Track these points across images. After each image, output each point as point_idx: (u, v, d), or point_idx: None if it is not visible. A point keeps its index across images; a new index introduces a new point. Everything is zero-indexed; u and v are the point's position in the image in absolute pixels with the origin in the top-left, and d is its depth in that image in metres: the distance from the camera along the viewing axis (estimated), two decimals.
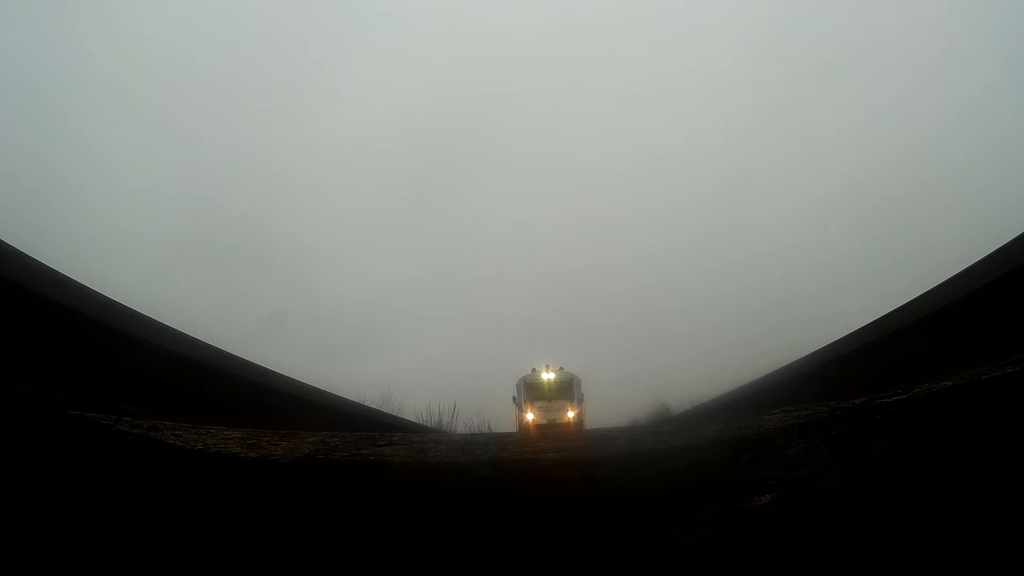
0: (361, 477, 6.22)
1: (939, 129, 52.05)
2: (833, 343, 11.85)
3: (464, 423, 18.82)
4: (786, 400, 9.73)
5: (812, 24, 63.75)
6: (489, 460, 7.05)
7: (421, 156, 71.11)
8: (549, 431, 16.27)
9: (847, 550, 3.91)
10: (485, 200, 67.80)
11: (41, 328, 6.77)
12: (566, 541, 4.64)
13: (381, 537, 4.77)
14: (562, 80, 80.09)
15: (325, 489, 5.72)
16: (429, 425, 18.44)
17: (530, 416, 18.82)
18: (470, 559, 4.55)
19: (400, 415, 17.71)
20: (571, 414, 18.73)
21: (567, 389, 19.47)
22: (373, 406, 16.24)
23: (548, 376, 19.65)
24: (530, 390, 19.56)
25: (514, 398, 20.02)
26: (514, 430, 18.39)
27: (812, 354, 12.67)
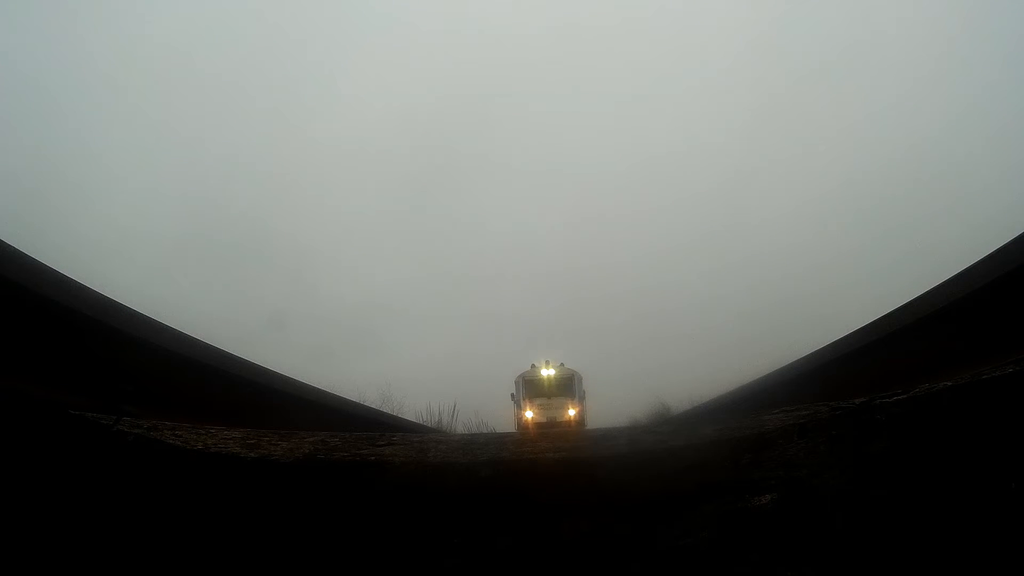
0: (361, 477, 6.22)
1: (939, 129, 52.11)
2: (833, 343, 11.86)
3: (464, 423, 18.83)
4: (786, 400, 9.74)
5: (812, 24, 63.82)
6: (489, 460, 7.06)
7: (421, 156, 71.17)
8: (549, 430, 16.10)
9: (847, 550, 3.91)
10: (485, 200, 67.79)
11: (41, 328, 6.77)
12: (566, 541, 4.65)
13: (381, 537, 4.77)
14: (562, 80, 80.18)
15: (325, 489, 5.72)
16: (429, 425, 18.43)
17: (529, 414, 17.98)
18: (470, 559, 4.55)
19: (400, 415, 17.71)
20: (572, 412, 17.92)
21: (568, 386, 18.55)
22: (373, 406, 16.25)
23: (548, 372, 18.65)
24: (529, 387, 18.60)
25: (512, 395, 19.11)
26: (513, 429, 18.21)
27: (812, 354, 12.68)
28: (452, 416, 19.05)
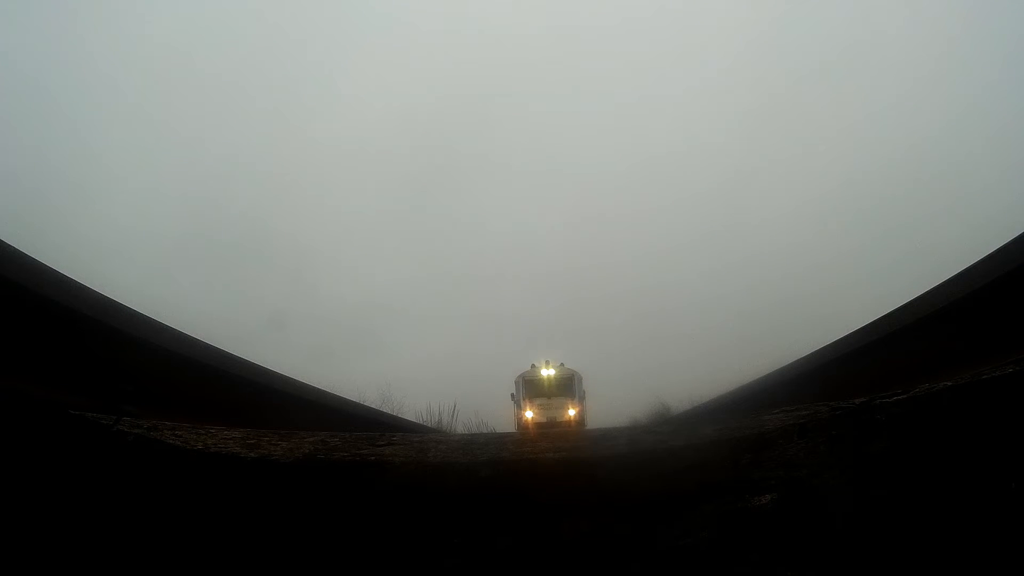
0: (361, 477, 6.22)
1: (939, 129, 52.11)
2: (833, 343, 11.85)
3: (464, 423, 18.82)
4: (786, 400, 9.74)
5: (812, 24, 63.81)
6: (489, 460, 7.06)
7: (421, 156, 71.16)
8: (549, 430, 16.01)
9: (847, 550, 3.91)
10: (485, 200, 67.78)
11: (41, 328, 6.77)
12: (566, 541, 4.65)
13: (381, 537, 4.77)
14: (562, 80, 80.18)
15: (325, 489, 5.72)
16: (429, 425, 18.42)
17: (529, 414, 17.84)
18: (470, 559, 4.55)
19: (400, 415, 17.70)
20: (572, 412, 17.80)
21: (568, 386, 18.43)
22: (373, 406, 16.25)
23: (548, 372, 18.52)
24: (529, 387, 18.48)
25: (512, 395, 18.96)
26: (513, 429, 18.11)
27: (812, 354, 12.68)
28: (452, 416, 19.06)
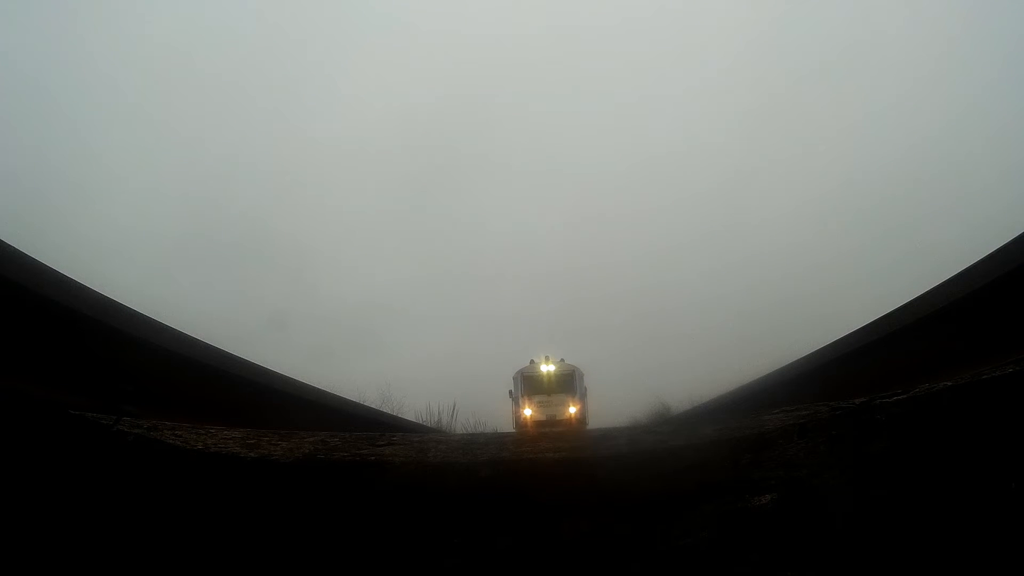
0: (361, 477, 6.22)
1: (939, 129, 52.09)
2: (833, 343, 11.86)
3: (463, 423, 18.80)
4: (786, 400, 9.74)
5: (812, 24, 63.74)
6: (489, 460, 7.06)
7: (421, 156, 71.09)
8: (549, 428, 15.64)
9: (847, 550, 3.91)
10: (485, 200, 67.71)
11: (41, 328, 6.77)
12: (566, 541, 4.65)
13: (381, 537, 4.77)
14: (562, 80, 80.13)
15: (325, 489, 5.72)
16: (429, 425, 18.40)
17: (528, 412, 17.12)
18: (470, 559, 4.55)
19: (400, 415, 17.70)
20: (572, 410, 17.08)
21: (568, 382, 17.61)
22: (373, 406, 16.26)
23: (547, 368, 17.72)
24: (528, 383, 17.64)
25: (511, 392, 18.12)
26: (511, 427, 17.95)
27: (812, 354, 12.69)
28: (452, 416, 19.03)
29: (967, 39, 54.63)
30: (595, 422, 16.54)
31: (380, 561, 4.57)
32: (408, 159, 68.97)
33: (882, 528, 3.98)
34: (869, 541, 3.91)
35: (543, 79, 74.91)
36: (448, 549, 4.64)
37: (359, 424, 12.33)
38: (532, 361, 18.07)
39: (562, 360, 18.06)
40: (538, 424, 16.65)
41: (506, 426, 17.74)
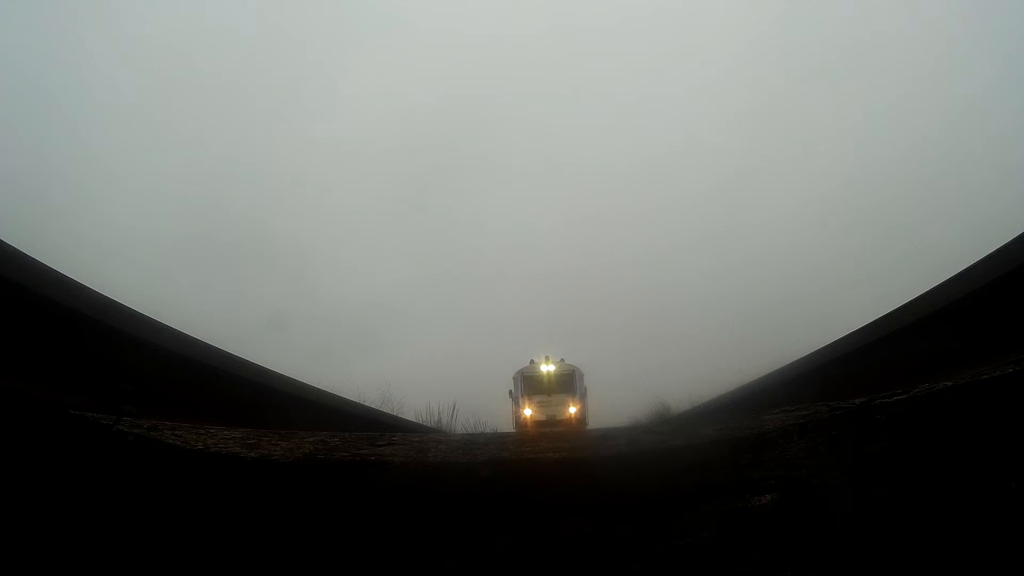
0: (361, 477, 6.22)
1: (939, 129, 52.10)
2: (833, 343, 11.86)
3: (463, 423, 18.78)
4: (786, 400, 9.74)
5: (812, 24, 63.72)
6: (489, 460, 7.06)
7: (421, 156, 71.09)
8: (549, 429, 15.51)
9: (847, 550, 3.91)
10: (485, 200, 67.70)
11: (41, 328, 6.77)
12: (566, 541, 4.65)
13: (381, 537, 4.77)
14: (562, 80, 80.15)
15: (325, 489, 5.72)
16: (429, 425, 18.39)
17: (528, 412, 16.98)
18: (470, 559, 4.55)
19: (400, 415, 17.68)
20: (572, 410, 16.97)
21: (568, 382, 17.51)
22: (373, 406, 16.25)
23: (547, 368, 17.62)
24: (528, 383, 17.52)
25: (510, 392, 17.96)
26: (510, 427, 17.87)
27: (812, 354, 12.69)
28: (452, 416, 19.01)
29: (967, 39, 54.63)
30: (595, 422, 16.50)
31: (380, 561, 4.57)
32: (408, 159, 68.96)
33: (882, 528, 3.98)
34: (869, 541, 3.91)
35: (543, 79, 74.91)
36: (448, 549, 4.64)
37: (359, 424, 12.33)
38: (532, 361, 17.92)
39: (562, 360, 17.93)
40: (538, 424, 16.54)
41: (506, 426, 17.71)
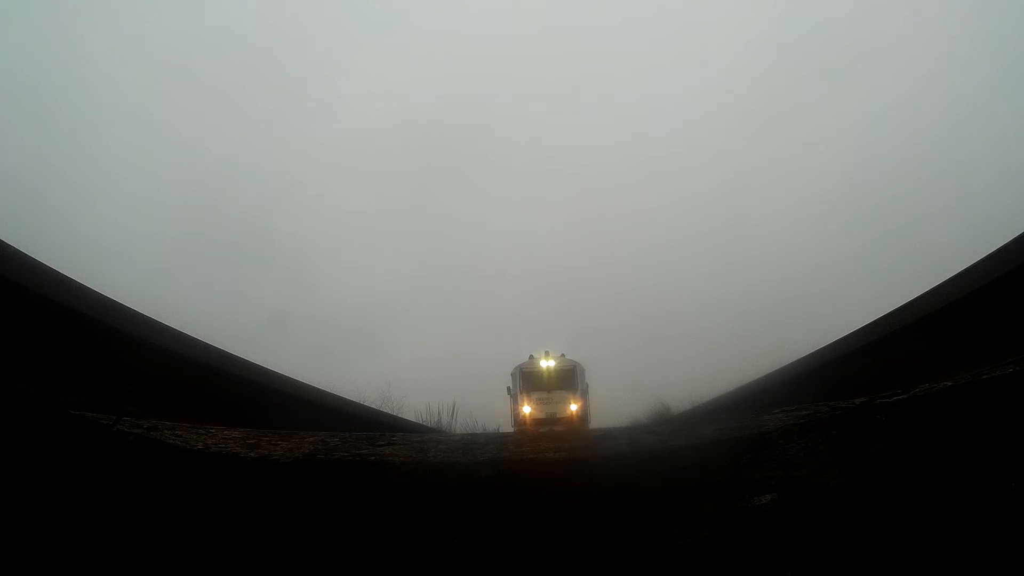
0: (361, 477, 6.22)
1: (939, 129, 52.15)
2: (833, 343, 11.86)
3: (463, 423, 18.78)
4: (786, 400, 9.74)
5: (812, 24, 63.83)
6: (489, 460, 7.06)
7: (421, 156, 71.23)
8: (548, 427, 15.23)
9: (847, 550, 3.91)
10: (485, 200, 67.80)
11: (41, 328, 6.77)
12: (566, 541, 4.65)
13: (381, 537, 4.77)
14: (562, 80, 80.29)
15: (325, 489, 5.72)
16: (429, 425, 18.37)
17: (527, 409, 16.33)
18: (470, 559, 4.55)
19: (400, 415, 17.65)
20: (573, 407, 16.33)
21: (569, 378, 16.81)
22: (373, 406, 16.23)
23: (547, 364, 16.94)
24: (527, 380, 16.84)
25: (509, 389, 17.31)
26: (509, 425, 17.52)
27: (812, 354, 12.68)
28: (452, 416, 18.99)
29: (967, 39, 54.68)
30: (595, 422, 16.40)
31: (380, 561, 4.57)
32: (408, 159, 69.09)
33: (882, 528, 3.98)
34: (869, 541, 3.92)
35: (543, 79, 75.08)
36: (448, 549, 4.64)
37: (359, 424, 12.33)
38: (531, 356, 17.34)
39: (563, 355, 17.36)
40: (537, 422, 16.05)
41: (505, 426, 17.58)
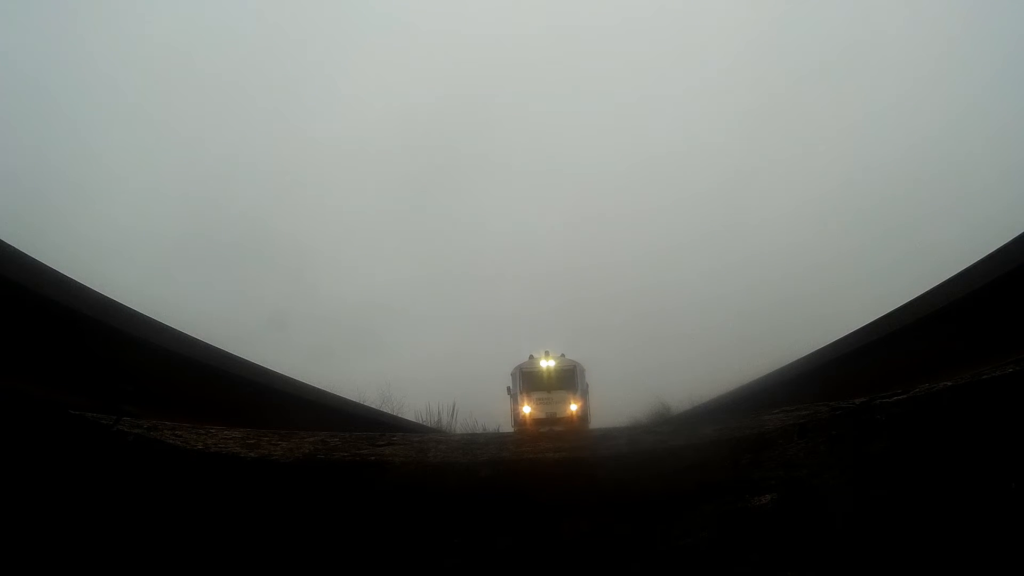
0: (361, 477, 6.22)
1: (939, 129, 52.20)
2: (833, 343, 11.86)
3: (463, 423, 18.78)
4: (786, 400, 9.74)
5: (812, 24, 63.94)
6: (489, 460, 7.06)
7: (421, 156, 71.34)
8: (548, 427, 15.19)
9: (847, 550, 3.91)
10: (485, 200, 67.91)
11: (41, 328, 6.77)
12: (566, 541, 4.65)
13: (381, 537, 4.77)
14: (562, 80, 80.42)
15: (325, 489, 5.72)
16: (429, 425, 18.37)
17: (527, 409, 16.28)
18: (470, 559, 4.55)
19: (400, 415, 17.66)
20: (574, 407, 16.30)
21: (569, 378, 16.76)
22: (373, 406, 16.23)
23: (547, 364, 16.90)
24: (527, 379, 16.80)
25: (509, 388, 17.28)
26: (509, 425, 17.43)
27: (812, 354, 12.68)
28: (452, 416, 19.00)
29: (967, 39, 54.70)
30: (595, 422, 16.38)
31: (380, 561, 4.57)
32: (408, 159, 69.15)
33: (882, 528, 3.98)
34: (869, 541, 3.92)
35: (543, 79, 75.15)
36: (448, 549, 4.64)
37: (359, 424, 12.33)
38: (531, 356, 17.29)
39: (563, 355, 17.31)
40: (537, 422, 15.97)
41: (505, 426, 17.56)
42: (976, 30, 53.59)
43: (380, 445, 7.91)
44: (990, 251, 7.62)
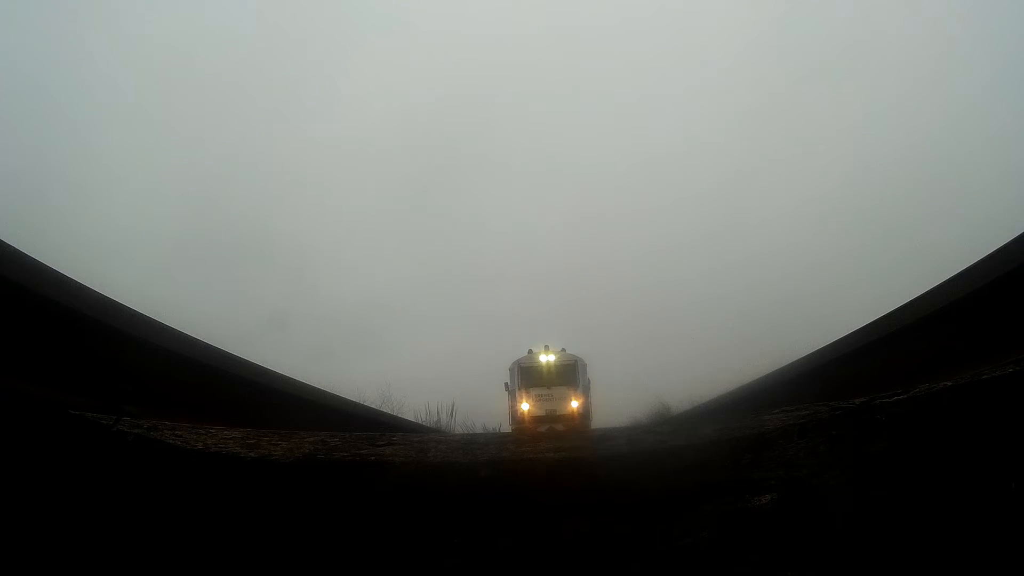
0: (361, 477, 6.22)
1: (939, 129, 52.14)
2: (833, 343, 11.85)
3: (463, 423, 18.76)
4: (786, 400, 9.74)
5: (812, 24, 63.75)
6: (489, 460, 7.06)
7: (421, 156, 71.15)
8: (548, 425, 14.73)
9: (847, 550, 3.91)
10: (485, 200, 67.75)
11: (41, 328, 6.77)
12: (566, 541, 4.65)
13: (381, 537, 4.77)
14: (562, 80, 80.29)
15: (325, 489, 5.72)
16: (429, 425, 18.35)
17: (526, 406, 15.54)
18: (470, 559, 4.55)
19: (400, 415, 17.64)
20: (574, 404, 15.53)
21: (569, 374, 16.01)
22: (373, 406, 16.20)
23: (547, 359, 16.13)
24: (526, 375, 16.03)
25: (506, 385, 16.53)
26: (507, 422, 17.06)
27: (812, 354, 12.67)
28: (451, 416, 18.97)
29: (967, 39, 54.61)
30: (595, 422, 16.19)
31: (380, 561, 4.57)
32: (408, 159, 68.91)
33: (882, 528, 3.98)
34: (869, 541, 3.91)
35: (543, 79, 74.85)
36: (448, 549, 4.64)
37: (359, 424, 12.33)
38: (530, 350, 16.49)
39: (563, 350, 16.51)
40: (537, 420, 15.36)
41: (506, 426, 17.38)
42: (976, 30, 53.50)
43: (380, 445, 7.91)
44: (990, 251, 7.62)
